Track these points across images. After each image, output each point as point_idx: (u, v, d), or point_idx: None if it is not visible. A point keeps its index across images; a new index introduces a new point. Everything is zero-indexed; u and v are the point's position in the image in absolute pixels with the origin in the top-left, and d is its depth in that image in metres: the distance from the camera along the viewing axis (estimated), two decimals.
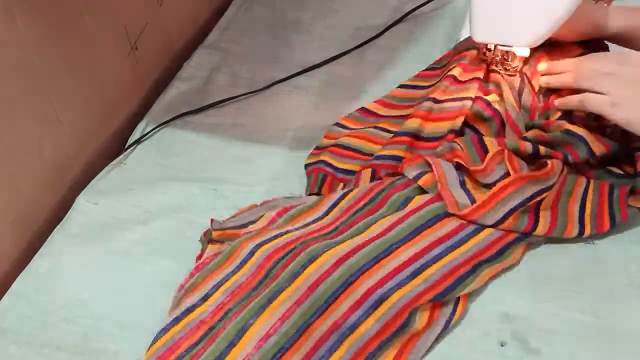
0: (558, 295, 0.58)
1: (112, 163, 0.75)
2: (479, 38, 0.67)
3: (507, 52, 0.69)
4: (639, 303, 0.57)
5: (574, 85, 0.64)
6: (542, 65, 0.69)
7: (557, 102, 0.66)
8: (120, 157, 0.76)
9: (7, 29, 0.59)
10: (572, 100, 0.64)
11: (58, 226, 0.67)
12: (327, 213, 0.64)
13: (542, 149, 0.64)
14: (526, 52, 0.69)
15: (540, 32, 0.64)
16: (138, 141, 0.78)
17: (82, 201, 0.69)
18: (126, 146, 0.77)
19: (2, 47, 0.59)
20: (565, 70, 0.65)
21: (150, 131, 0.79)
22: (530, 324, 0.56)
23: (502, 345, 0.54)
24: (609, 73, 0.61)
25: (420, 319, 0.55)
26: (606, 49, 0.72)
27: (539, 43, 0.67)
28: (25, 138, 0.64)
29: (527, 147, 0.64)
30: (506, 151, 0.63)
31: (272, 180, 0.72)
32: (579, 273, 0.60)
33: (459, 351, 0.54)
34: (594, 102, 0.61)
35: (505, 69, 0.70)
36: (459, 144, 0.66)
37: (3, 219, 0.63)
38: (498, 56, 0.70)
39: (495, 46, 0.69)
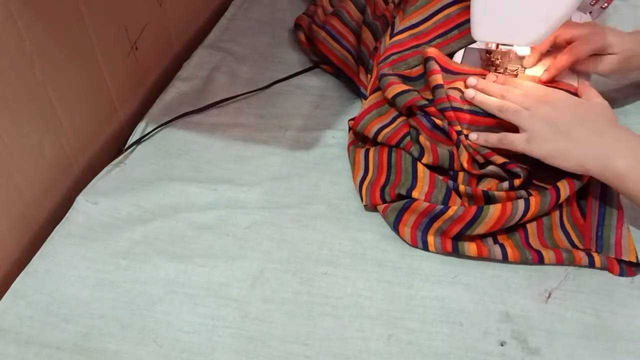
0: (558, 294, 0.58)
1: (112, 163, 0.75)
2: (479, 38, 0.67)
3: (507, 52, 0.69)
4: (639, 303, 0.57)
5: (497, 114, 0.65)
6: (472, 81, 0.68)
7: (481, 138, 0.66)
8: (120, 157, 0.76)
9: (7, 29, 0.59)
10: (492, 138, 0.65)
11: (58, 226, 0.67)
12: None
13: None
14: (527, 51, 0.69)
15: (541, 31, 0.64)
16: (138, 141, 0.78)
17: (82, 201, 0.69)
18: (126, 146, 0.77)
19: (2, 47, 0.59)
20: (495, 94, 0.66)
21: (151, 131, 0.79)
22: (530, 324, 0.56)
23: (502, 345, 0.54)
24: (529, 108, 0.63)
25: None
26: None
27: (540, 42, 0.67)
28: (25, 138, 0.64)
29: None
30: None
31: (272, 180, 0.72)
32: (578, 272, 0.60)
33: (459, 351, 0.54)
34: (511, 142, 0.63)
35: (505, 70, 0.70)
36: None
37: (3, 219, 0.63)
38: (498, 59, 0.70)
39: (496, 46, 0.69)
